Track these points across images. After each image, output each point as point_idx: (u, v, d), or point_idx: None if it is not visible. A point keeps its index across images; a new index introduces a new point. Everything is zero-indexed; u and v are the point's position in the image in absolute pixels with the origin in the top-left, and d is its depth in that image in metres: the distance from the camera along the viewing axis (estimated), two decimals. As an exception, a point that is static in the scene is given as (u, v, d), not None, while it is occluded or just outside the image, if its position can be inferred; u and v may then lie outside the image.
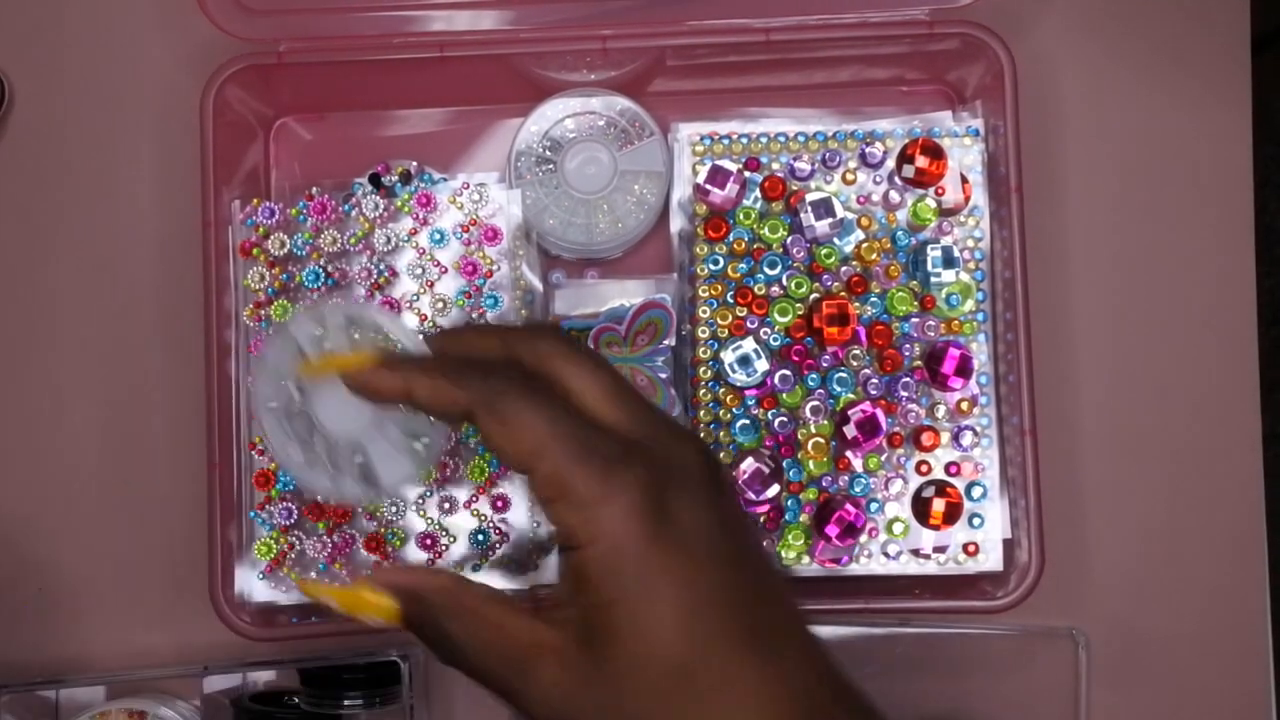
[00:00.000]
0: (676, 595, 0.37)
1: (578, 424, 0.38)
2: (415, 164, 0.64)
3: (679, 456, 0.39)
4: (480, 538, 0.60)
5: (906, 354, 0.60)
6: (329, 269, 0.60)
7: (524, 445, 0.38)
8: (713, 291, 0.60)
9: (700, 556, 0.37)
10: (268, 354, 0.44)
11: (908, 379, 0.60)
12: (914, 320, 0.60)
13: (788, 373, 0.60)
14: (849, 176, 0.61)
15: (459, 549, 0.60)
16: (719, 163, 0.61)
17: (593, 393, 0.39)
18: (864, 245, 0.60)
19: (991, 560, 0.60)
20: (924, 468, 0.60)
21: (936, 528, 0.59)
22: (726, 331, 0.60)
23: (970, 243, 0.61)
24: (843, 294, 0.60)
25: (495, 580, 0.60)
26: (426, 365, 0.40)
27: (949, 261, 0.60)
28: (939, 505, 0.59)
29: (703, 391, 0.60)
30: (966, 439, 0.60)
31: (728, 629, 0.37)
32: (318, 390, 0.42)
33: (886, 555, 0.60)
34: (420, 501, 0.60)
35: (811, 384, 0.60)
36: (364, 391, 0.41)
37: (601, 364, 0.40)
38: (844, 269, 0.60)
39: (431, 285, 0.61)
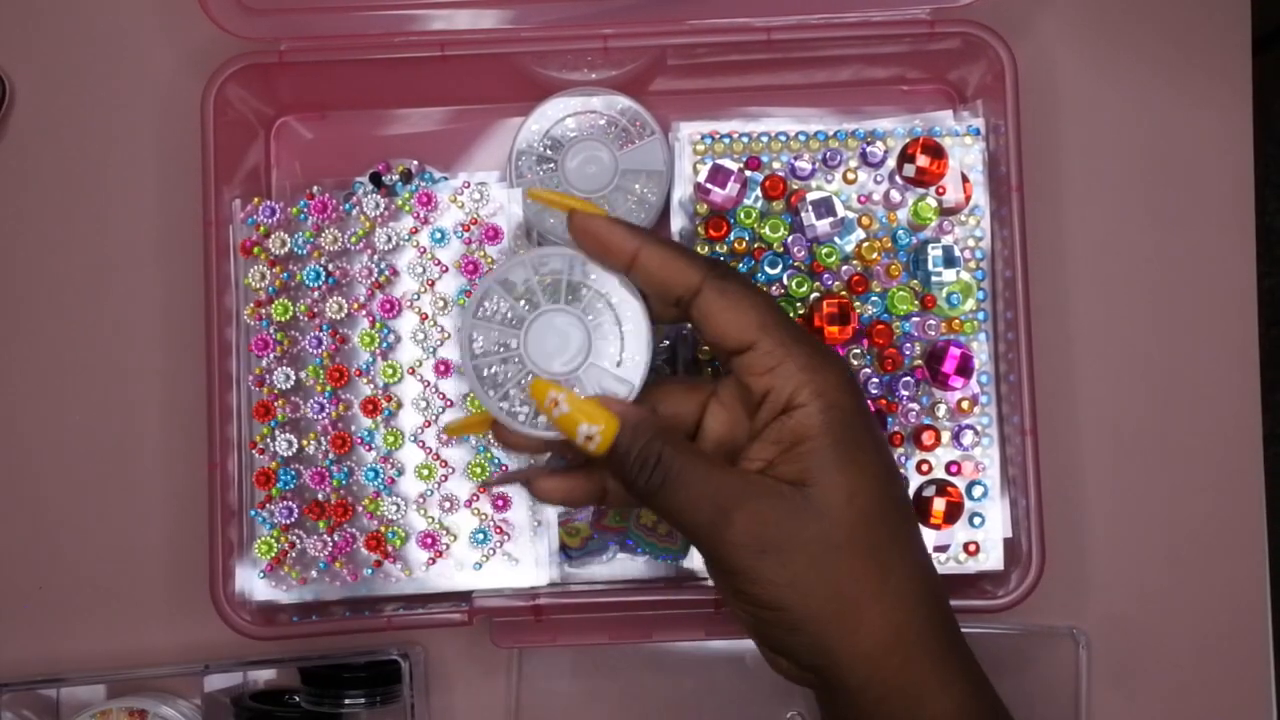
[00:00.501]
0: (877, 452, 0.45)
1: (783, 312, 0.45)
2: (416, 163, 0.64)
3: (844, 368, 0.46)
4: (481, 537, 0.60)
5: (907, 353, 0.60)
6: (330, 268, 0.60)
7: (750, 319, 0.44)
8: (713, 291, 0.60)
9: (886, 453, 0.46)
10: (485, 292, 0.47)
11: (908, 378, 0.60)
12: (914, 319, 0.60)
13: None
14: (850, 176, 0.61)
15: (460, 548, 0.60)
16: (720, 162, 0.61)
17: (760, 300, 0.46)
18: (865, 244, 0.60)
19: (992, 559, 0.60)
20: (925, 467, 0.60)
21: (937, 527, 0.59)
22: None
23: (971, 242, 0.61)
24: (843, 293, 0.60)
25: (498, 573, 0.60)
26: (657, 237, 0.45)
27: (950, 261, 0.60)
28: (940, 504, 0.59)
29: (703, 390, 0.60)
30: (967, 438, 0.60)
31: (900, 498, 0.46)
32: (532, 331, 0.46)
33: (887, 554, 0.60)
34: (421, 500, 0.60)
35: (812, 383, 0.60)
36: (592, 243, 0.45)
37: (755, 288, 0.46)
38: (845, 268, 0.60)
39: (432, 284, 0.61)
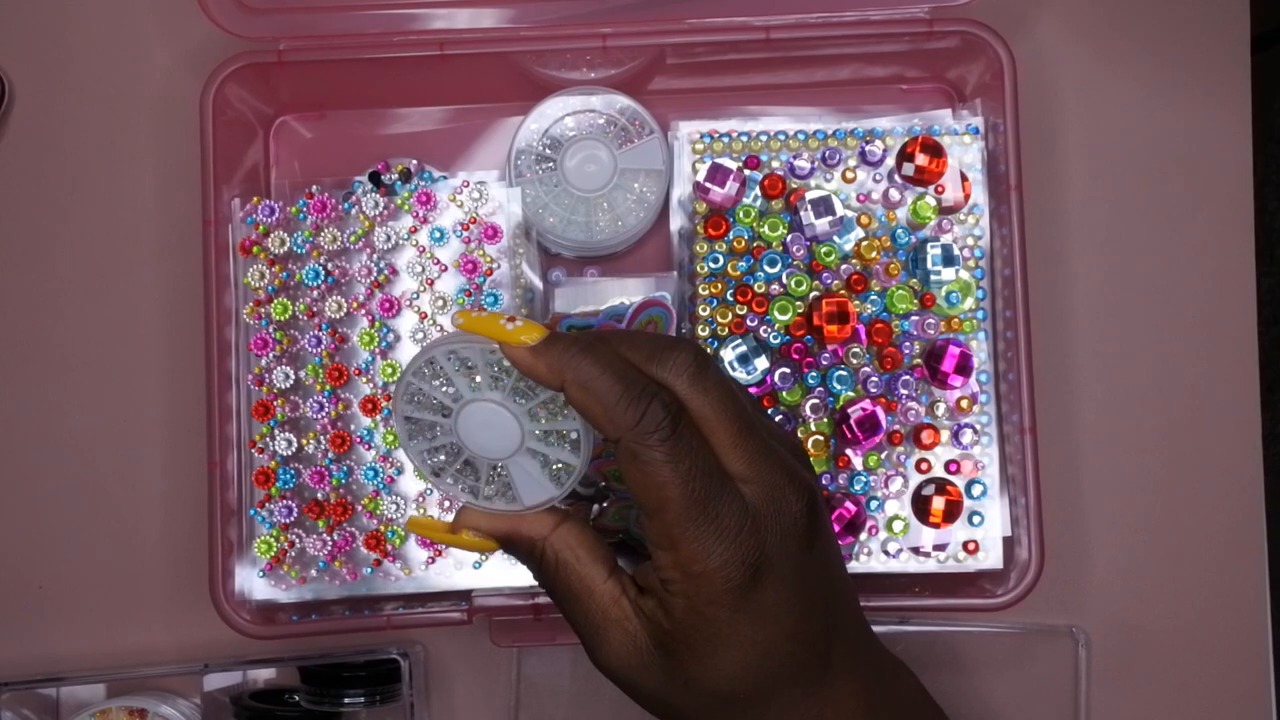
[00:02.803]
0: (746, 653, 0.41)
1: (706, 487, 0.41)
2: (415, 162, 0.65)
3: (785, 515, 0.42)
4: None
5: (906, 352, 0.60)
6: (329, 267, 0.60)
7: (653, 494, 0.41)
8: (712, 289, 0.60)
9: (775, 623, 0.42)
10: (413, 367, 0.44)
11: (907, 377, 0.60)
12: (914, 318, 0.60)
13: (787, 371, 0.60)
14: (849, 174, 0.61)
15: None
16: (719, 161, 0.61)
17: (719, 427, 0.42)
18: (864, 243, 0.60)
19: (991, 558, 0.60)
20: (924, 466, 0.60)
21: (936, 526, 0.59)
22: (726, 329, 0.60)
23: (970, 241, 0.61)
24: (842, 292, 0.60)
25: (498, 572, 0.60)
26: (589, 368, 0.41)
27: (949, 259, 0.60)
28: (939, 503, 0.59)
29: (702, 389, 0.60)
30: (966, 437, 0.60)
31: (787, 673, 0.42)
32: (465, 411, 0.43)
33: (886, 553, 0.60)
34: (420, 500, 0.60)
35: (811, 382, 0.60)
36: (521, 366, 0.42)
37: (732, 394, 0.42)
38: (844, 267, 0.60)
39: (431, 283, 0.61)
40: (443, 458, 0.45)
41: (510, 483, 0.44)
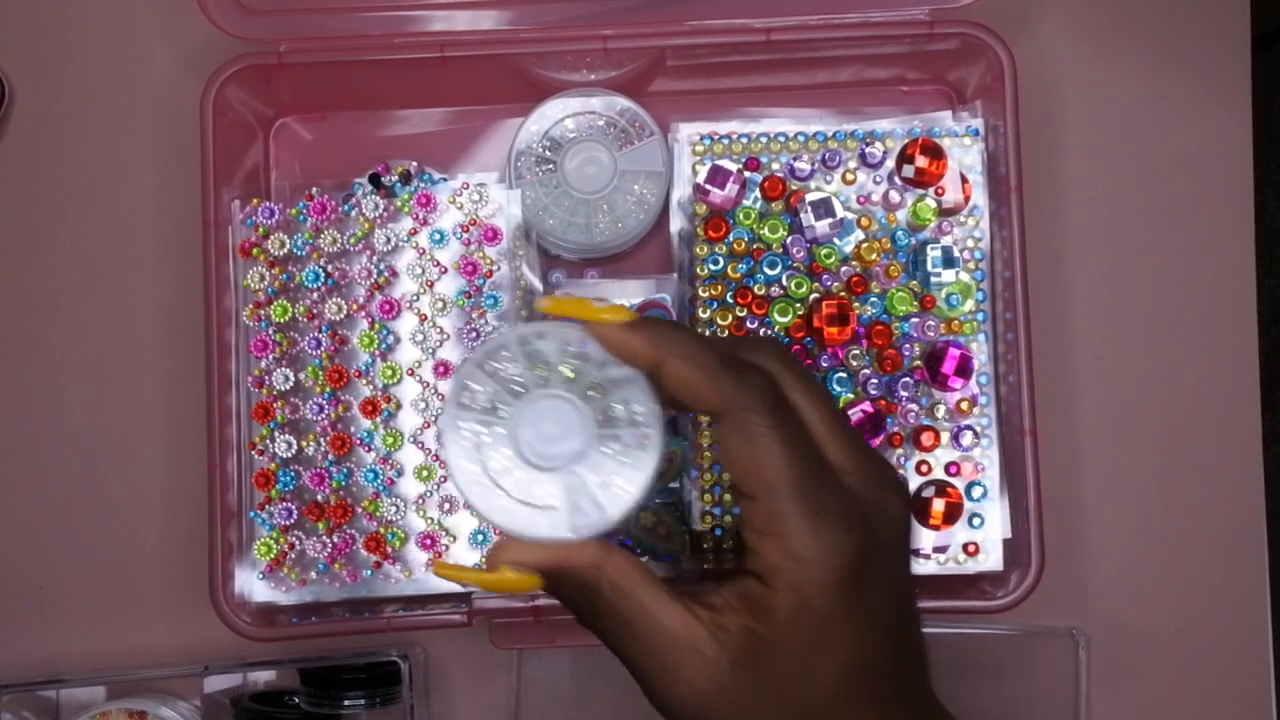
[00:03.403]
0: (846, 657, 0.39)
1: (812, 466, 0.39)
2: (415, 164, 0.64)
3: (887, 512, 0.40)
4: (480, 537, 0.60)
5: (906, 354, 0.60)
6: (329, 269, 0.60)
7: (758, 471, 0.38)
8: (713, 291, 0.60)
9: (875, 627, 0.40)
10: (468, 368, 0.41)
11: (907, 379, 0.60)
12: (914, 320, 0.60)
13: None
14: (849, 176, 0.61)
15: (459, 549, 0.60)
16: (719, 163, 0.60)
17: (815, 416, 0.40)
18: (864, 245, 0.60)
19: (992, 560, 0.60)
20: (924, 468, 0.60)
21: (936, 528, 0.59)
22: (727, 332, 0.60)
23: (970, 242, 0.61)
24: (842, 294, 0.60)
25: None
26: (686, 342, 0.39)
27: (949, 261, 0.60)
28: (939, 505, 0.59)
29: (703, 391, 0.60)
30: (966, 439, 0.60)
31: (874, 690, 0.40)
32: (527, 406, 0.40)
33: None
34: (421, 501, 0.60)
35: (811, 384, 0.60)
36: (612, 344, 0.40)
37: (821, 389, 0.41)
38: (844, 269, 0.60)
39: (431, 285, 0.61)
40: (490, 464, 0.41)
41: (562, 502, 0.40)
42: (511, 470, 0.40)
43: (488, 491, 0.40)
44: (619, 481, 0.40)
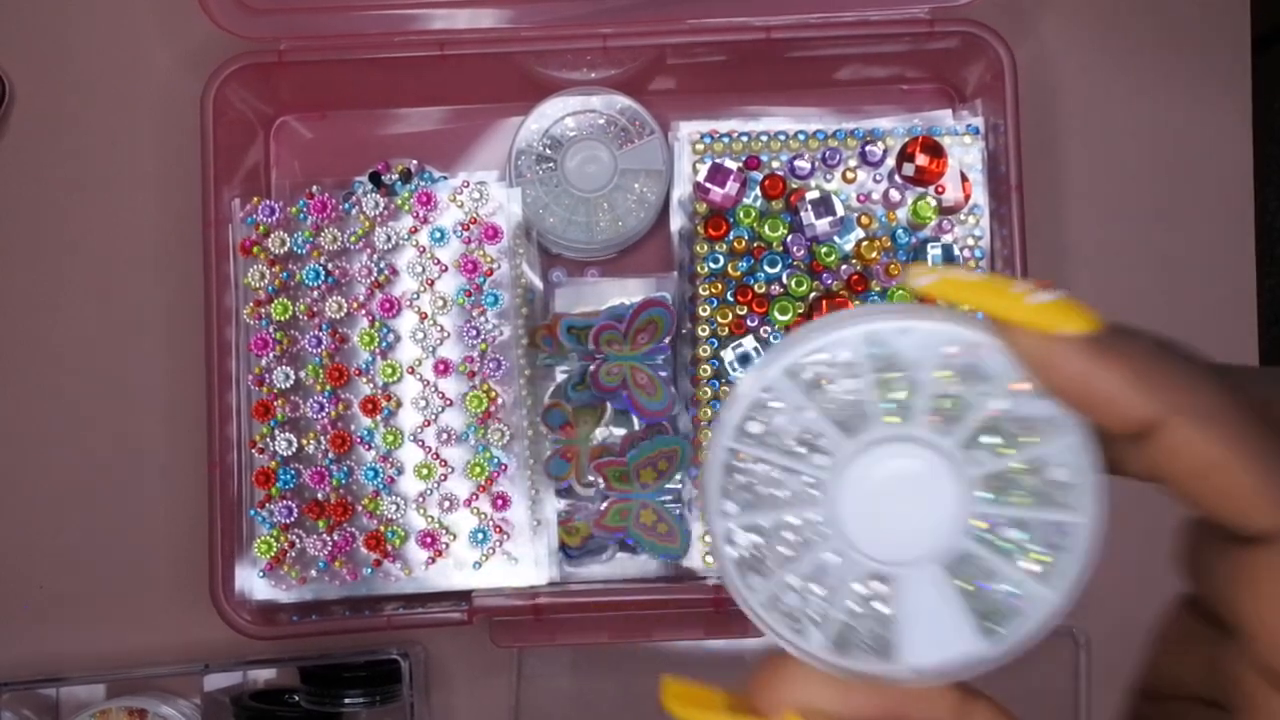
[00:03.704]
0: None
1: None
2: (415, 162, 0.64)
3: None
4: (480, 536, 0.60)
5: (907, 352, 0.60)
6: (329, 267, 0.60)
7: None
8: (713, 290, 0.60)
9: None
10: (782, 361, 0.25)
11: (908, 377, 0.60)
12: (914, 319, 0.60)
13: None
14: (849, 175, 0.61)
15: (459, 548, 0.60)
16: (719, 161, 0.60)
17: None
18: (864, 243, 0.60)
19: (992, 559, 0.60)
20: (924, 466, 0.60)
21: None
22: (727, 330, 0.60)
23: (970, 241, 0.61)
24: (843, 292, 0.60)
25: (498, 572, 0.60)
26: (1218, 399, 0.23)
27: (949, 260, 0.60)
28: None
29: (703, 390, 0.60)
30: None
31: None
32: (857, 458, 0.25)
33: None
34: (421, 499, 0.60)
35: (812, 382, 0.60)
36: (1052, 376, 0.24)
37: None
38: (844, 267, 0.60)
39: (432, 283, 0.61)
40: (781, 548, 0.26)
41: (894, 621, 0.25)
42: (818, 549, 0.25)
43: (770, 584, 0.26)
44: (1014, 596, 0.25)
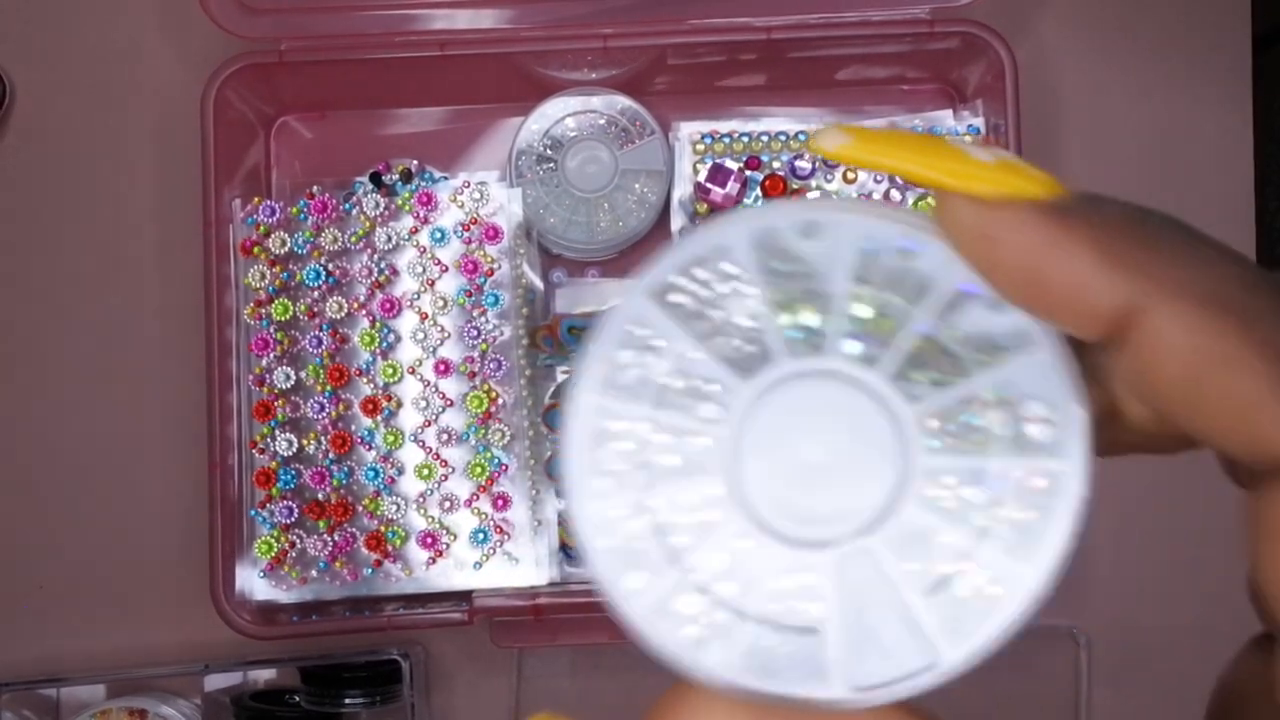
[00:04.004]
0: None
1: None
2: (416, 162, 0.64)
3: None
4: (481, 536, 0.60)
5: (907, 353, 0.60)
6: (330, 267, 0.60)
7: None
8: (713, 290, 0.60)
9: None
10: (637, 303, 0.20)
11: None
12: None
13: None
14: (850, 175, 0.61)
15: (460, 548, 0.60)
16: (720, 161, 0.60)
17: None
18: (865, 244, 0.60)
19: (992, 559, 0.60)
20: (924, 467, 0.60)
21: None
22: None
23: (971, 242, 0.61)
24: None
25: (498, 572, 0.60)
26: (1219, 269, 0.18)
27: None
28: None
29: (703, 390, 0.60)
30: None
31: None
32: (766, 404, 0.19)
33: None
34: (421, 499, 0.60)
35: (812, 383, 0.60)
36: (1002, 267, 0.18)
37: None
38: (845, 268, 0.60)
39: (432, 284, 0.61)
40: (672, 537, 0.20)
41: (824, 624, 0.19)
42: (720, 533, 0.19)
43: (660, 583, 0.19)
44: (979, 578, 0.19)
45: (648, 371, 0.20)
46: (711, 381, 0.19)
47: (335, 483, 0.60)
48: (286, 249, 0.60)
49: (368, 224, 0.61)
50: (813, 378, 0.19)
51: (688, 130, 0.62)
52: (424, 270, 0.60)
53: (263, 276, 0.60)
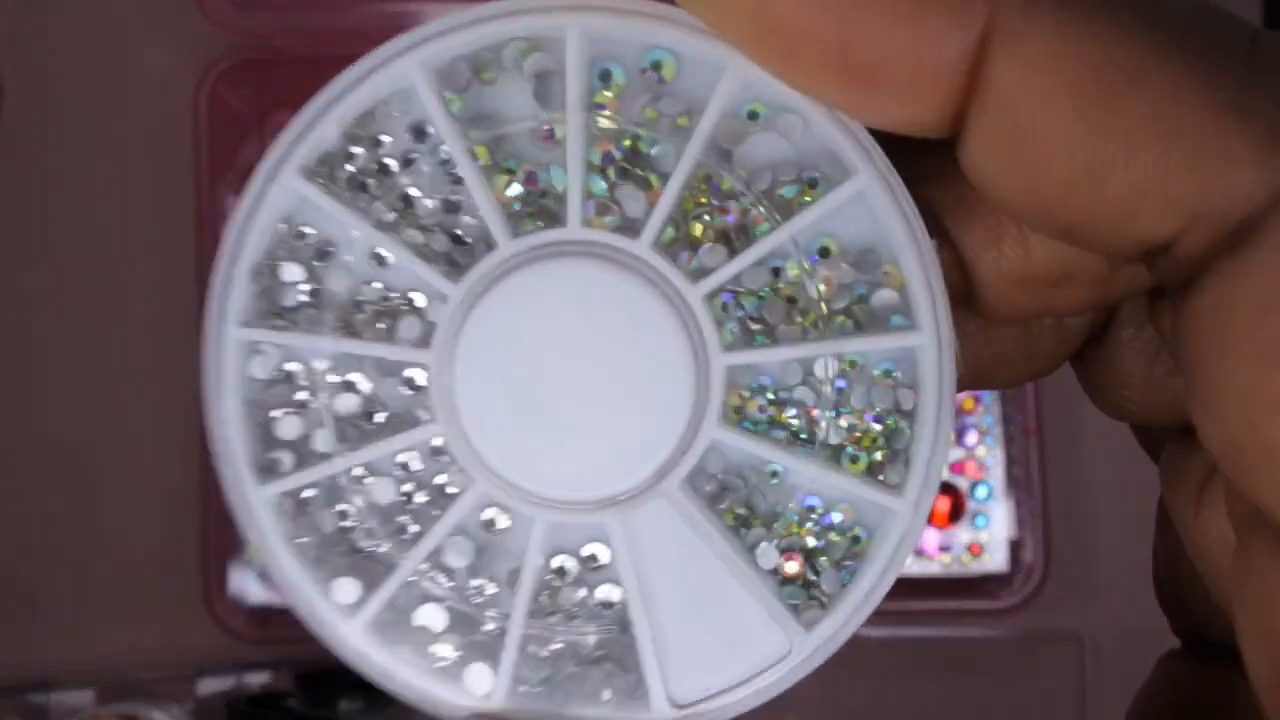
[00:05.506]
0: None
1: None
2: (412, 160, 0.64)
3: None
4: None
5: (910, 352, 0.60)
6: (325, 265, 0.60)
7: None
8: (714, 289, 0.60)
9: None
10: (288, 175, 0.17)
11: (911, 377, 0.59)
12: (918, 318, 0.60)
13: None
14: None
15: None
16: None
17: None
18: (867, 242, 0.60)
19: (996, 561, 0.60)
20: (928, 467, 0.59)
21: (940, 527, 0.59)
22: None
23: (974, 239, 0.60)
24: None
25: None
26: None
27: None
28: (942, 505, 0.58)
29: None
30: (970, 437, 0.59)
31: None
32: (488, 298, 0.14)
33: (890, 556, 0.59)
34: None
35: (814, 382, 0.59)
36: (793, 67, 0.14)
37: None
38: (847, 266, 0.60)
39: (429, 282, 0.60)
40: (364, 475, 0.15)
41: (626, 622, 0.14)
42: (455, 509, 0.15)
43: (382, 592, 0.15)
44: (832, 518, 0.15)
45: (322, 287, 0.14)
46: (410, 290, 0.14)
47: (330, 484, 0.59)
48: (281, 247, 0.60)
49: (363, 221, 0.60)
50: (549, 260, 0.14)
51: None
52: (420, 268, 0.60)
53: (256, 275, 0.60)
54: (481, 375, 0.14)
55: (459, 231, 0.14)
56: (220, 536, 0.58)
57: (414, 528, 0.14)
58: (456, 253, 0.14)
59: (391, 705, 0.65)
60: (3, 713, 0.62)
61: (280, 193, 0.15)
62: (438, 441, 0.14)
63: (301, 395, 0.15)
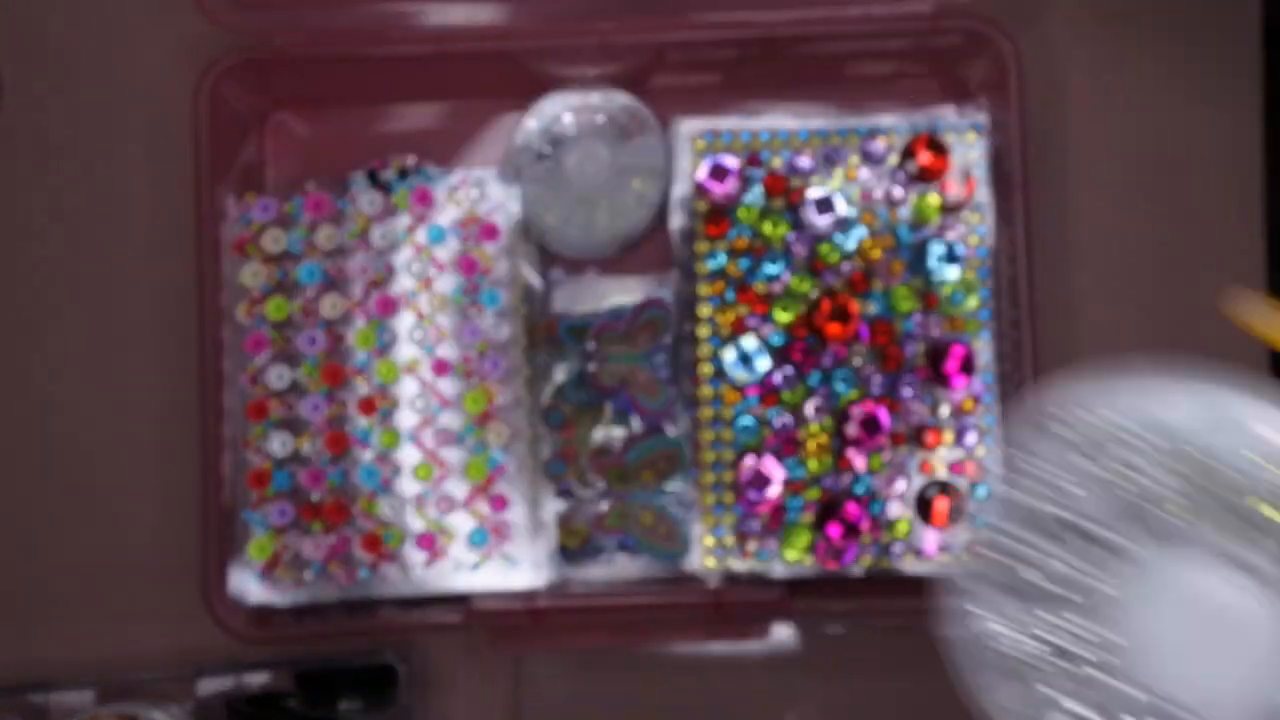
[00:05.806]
0: None
1: None
2: (413, 159, 0.64)
3: None
4: (479, 537, 0.59)
5: (909, 352, 0.59)
6: (325, 265, 0.60)
7: None
8: (713, 289, 0.60)
9: None
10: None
11: (910, 377, 0.59)
12: (916, 318, 0.60)
13: (789, 371, 0.59)
14: (851, 172, 0.61)
15: (457, 549, 0.59)
16: (720, 159, 0.60)
17: None
18: (866, 242, 0.60)
19: (996, 561, 0.60)
20: (927, 467, 0.59)
21: (940, 527, 0.59)
22: (727, 329, 0.60)
23: (974, 239, 0.60)
24: (844, 291, 0.60)
25: (496, 574, 0.59)
26: None
27: (952, 258, 0.59)
28: (942, 505, 0.58)
29: (704, 389, 0.59)
30: (970, 438, 0.59)
31: None
32: (1147, 580, 0.16)
33: (889, 555, 0.59)
34: (418, 501, 0.59)
35: (813, 382, 0.59)
36: None
37: None
38: (846, 266, 0.60)
39: (429, 283, 0.60)
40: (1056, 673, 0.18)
41: None
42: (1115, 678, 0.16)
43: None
44: None
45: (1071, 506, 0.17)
46: (1108, 528, 0.17)
47: (331, 483, 0.59)
48: (281, 247, 0.60)
49: (364, 221, 0.60)
50: (1219, 558, 0.16)
51: (687, 128, 0.62)
52: (421, 268, 0.60)
53: (257, 275, 0.60)
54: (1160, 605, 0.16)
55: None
56: (220, 537, 0.58)
57: None
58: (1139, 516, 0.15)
59: (391, 705, 0.66)
60: (3, 713, 0.62)
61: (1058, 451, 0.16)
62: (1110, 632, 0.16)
63: None
